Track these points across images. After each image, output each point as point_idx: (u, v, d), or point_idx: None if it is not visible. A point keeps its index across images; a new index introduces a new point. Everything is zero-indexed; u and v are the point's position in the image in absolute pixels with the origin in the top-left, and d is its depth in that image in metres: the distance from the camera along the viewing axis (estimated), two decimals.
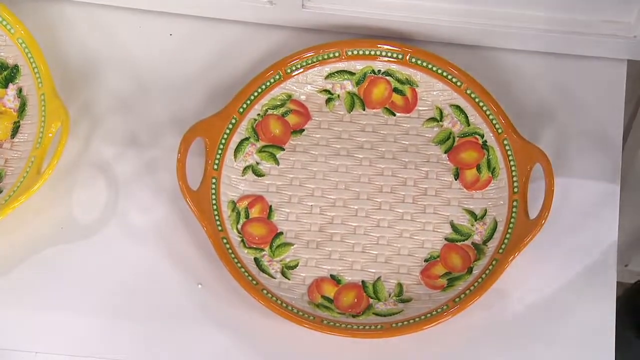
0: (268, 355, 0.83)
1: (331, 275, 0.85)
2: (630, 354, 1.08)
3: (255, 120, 0.90)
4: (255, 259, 0.85)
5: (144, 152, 0.90)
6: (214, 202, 0.86)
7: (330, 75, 0.92)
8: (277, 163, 0.90)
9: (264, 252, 0.86)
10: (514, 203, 0.86)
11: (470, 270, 0.84)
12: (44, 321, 0.83)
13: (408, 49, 0.91)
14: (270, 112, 0.91)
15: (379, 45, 0.91)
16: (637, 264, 1.26)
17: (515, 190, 0.86)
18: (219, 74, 0.94)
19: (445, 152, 0.90)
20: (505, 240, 0.84)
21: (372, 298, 0.84)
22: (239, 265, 0.83)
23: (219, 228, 0.85)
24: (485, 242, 0.86)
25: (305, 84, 0.92)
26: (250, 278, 0.83)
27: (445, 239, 0.86)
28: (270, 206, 0.88)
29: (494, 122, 0.89)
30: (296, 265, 0.86)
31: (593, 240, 0.87)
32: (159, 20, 0.96)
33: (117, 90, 0.93)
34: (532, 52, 0.94)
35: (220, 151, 0.88)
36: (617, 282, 0.86)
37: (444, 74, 0.90)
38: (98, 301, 0.84)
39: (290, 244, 0.86)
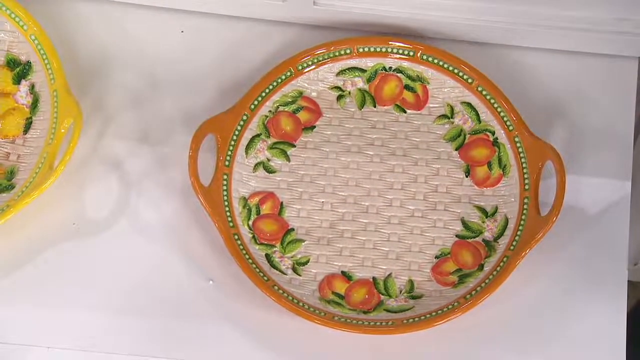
0: (279, 351, 0.83)
1: (342, 272, 0.86)
2: None
3: (266, 117, 0.90)
4: (267, 255, 0.85)
5: (155, 149, 0.90)
6: (225, 198, 0.86)
7: (341, 72, 0.92)
8: (288, 160, 0.90)
9: (275, 249, 0.86)
10: (525, 200, 0.86)
11: (481, 267, 0.84)
12: (56, 316, 0.83)
13: (419, 46, 0.91)
14: (281, 108, 0.91)
15: (390, 43, 0.91)
16: None
17: (527, 187, 0.86)
18: (230, 70, 0.94)
19: (456, 149, 0.90)
20: (516, 238, 0.84)
21: (383, 294, 0.84)
22: (250, 261, 0.83)
23: (230, 224, 0.85)
24: (496, 239, 0.86)
25: (317, 81, 0.92)
26: (261, 274, 0.83)
27: (456, 235, 0.87)
28: (282, 202, 0.88)
29: (505, 119, 0.89)
30: (307, 262, 0.86)
31: (604, 238, 0.87)
32: (170, 17, 0.96)
33: (129, 86, 0.93)
34: (543, 50, 0.94)
35: (231, 148, 0.88)
36: (628, 282, 0.86)
37: (455, 71, 0.90)
38: (109, 297, 0.84)
39: (301, 241, 0.86)
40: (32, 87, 0.91)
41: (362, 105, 0.92)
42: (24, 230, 0.86)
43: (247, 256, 0.83)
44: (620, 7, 0.90)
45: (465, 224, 0.87)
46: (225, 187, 0.86)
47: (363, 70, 0.92)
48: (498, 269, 0.83)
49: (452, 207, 0.88)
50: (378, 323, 0.81)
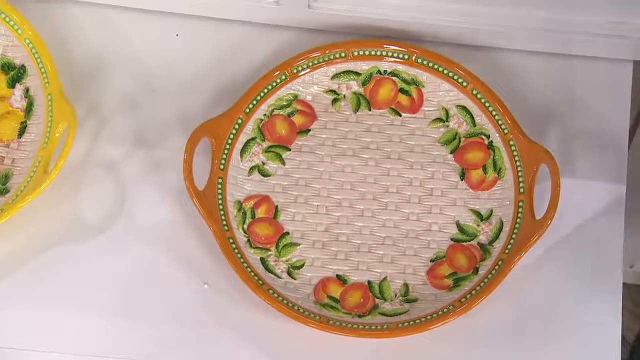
0: (274, 355, 0.83)
1: (337, 275, 0.85)
2: None
3: (261, 120, 0.90)
4: (262, 259, 0.85)
5: (150, 152, 0.90)
6: (220, 202, 0.86)
7: (336, 76, 0.92)
8: (283, 163, 0.90)
9: (270, 252, 0.86)
10: (520, 203, 0.86)
11: (476, 271, 0.85)
12: (51, 320, 0.83)
13: (414, 49, 0.91)
14: (276, 112, 0.91)
15: (385, 46, 0.91)
16: None
17: (521, 190, 0.86)
18: (225, 74, 0.94)
19: (451, 153, 0.90)
20: (511, 241, 0.84)
21: (378, 298, 0.84)
22: (245, 265, 0.83)
23: (225, 228, 0.85)
24: (491, 242, 0.86)
25: (312, 84, 0.92)
26: (256, 278, 0.83)
27: (451, 239, 0.87)
28: (277, 206, 0.88)
29: (500, 122, 0.89)
30: (302, 265, 0.86)
31: (599, 240, 0.87)
32: (165, 21, 0.96)
33: (124, 90, 0.93)
34: (538, 53, 0.94)
35: (226, 151, 0.88)
36: (623, 284, 0.86)
37: (450, 74, 0.90)
38: (104, 301, 0.84)
39: (296, 244, 0.86)
40: (27, 90, 0.90)
41: (357, 108, 0.92)
42: (19, 234, 0.86)
43: (242, 260, 0.83)
44: (614, 10, 0.90)
45: (460, 227, 0.87)
46: (220, 191, 0.86)
47: (358, 74, 0.92)
48: (493, 272, 0.83)
49: (447, 211, 0.88)
50: (373, 327, 0.81)
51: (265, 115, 0.90)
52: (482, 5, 0.91)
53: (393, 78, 0.92)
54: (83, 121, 0.91)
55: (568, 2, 0.90)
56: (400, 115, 0.92)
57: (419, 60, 0.91)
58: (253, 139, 0.90)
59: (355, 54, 0.91)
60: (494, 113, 0.89)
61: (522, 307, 0.84)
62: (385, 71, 0.92)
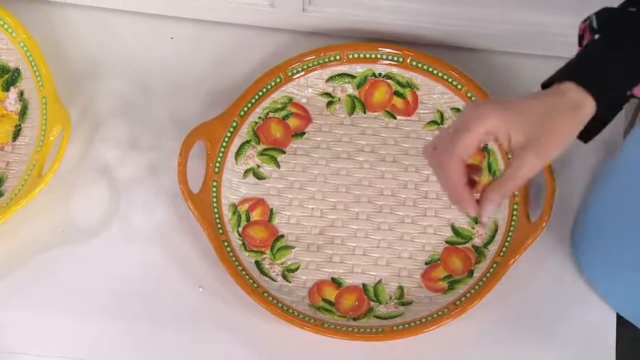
0: (269, 358, 0.83)
1: (332, 278, 0.85)
2: None
3: (256, 123, 0.90)
4: (256, 262, 0.85)
5: (145, 155, 0.90)
6: (215, 205, 0.86)
7: (331, 79, 0.92)
8: (278, 166, 0.90)
9: (265, 255, 0.86)
10: (515, 206, 0.86)
11: (470, 274, 0.85)
12: (45, 324, 0.83)
13: (409, 52, 0.91)
14: (271, 115, 0.91)
15: (379, 49, 0.91)
16: None
17: (516, 193, 0.86)
18: (220, 77, 0.94)
19: None
20: (506, 244, 0.84)
21: (373, 301, 0.84)
22: (240, 268, 0.83)
23: (220, 231, 0.85)
24: (485, 245, 0.86)
25: (306, 87, 0.92)
26: (251, 281, 0.83)
27: (446, 241, 0.87)
28: (271, 209, 0.88)
29: None
30: (297, 268, 0.86)
31: None
32: (160, 24, 0.96)
33: (119, 93, 0.93)
34: (533, 55, 0.94)
35: (221, 154, 0.88)
36: None
37: (445, 77, 0.90)
38: (99, 304, 0.84)
39: (291, 247, 0.86)
40: (21, 94, 0.90)
41: (351, 111, 0.92)
42: (13, 238, 0.86)
43: (237, 263, 0.83)
44: None
45: (455, 230, 0.87)
46: (215, 194, 0.86)
47: (353, 77, 0.92)
48: (488, 275, 0.83)
49: (442, 213, 0.88)
50: (368, 330, 0.81)
51: (260, 118, 0.90)
52: (477, 8, 0.91)
53: (388, 81, 0.92)
54: (77, 124, 0.91)
55: (564, 5, 0.90)
56: (395, 118, 0.92)
57: (414, 63, 0.91)
58: (248, 141, 0.90)
59: (350, 56, 0.91)
60: None
61: (517, 309, 0.84)
62: (380, 74, 0.92)
